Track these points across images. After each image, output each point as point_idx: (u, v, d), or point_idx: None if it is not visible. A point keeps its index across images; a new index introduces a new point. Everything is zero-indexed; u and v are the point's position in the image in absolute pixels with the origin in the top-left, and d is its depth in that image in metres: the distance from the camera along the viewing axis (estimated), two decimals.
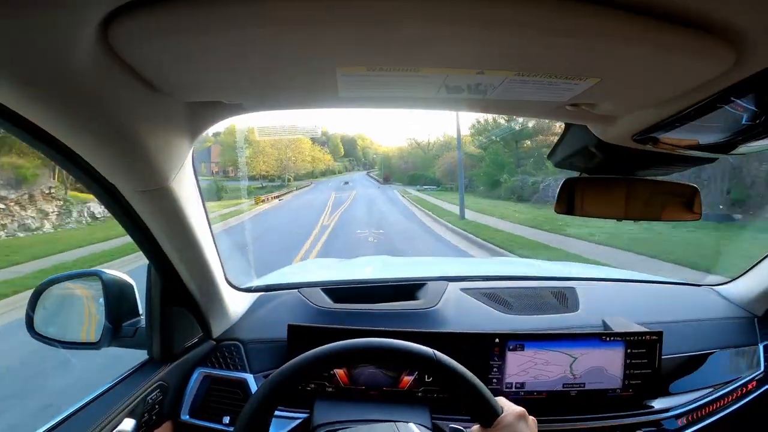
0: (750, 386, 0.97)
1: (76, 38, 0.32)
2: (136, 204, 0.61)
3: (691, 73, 0.40)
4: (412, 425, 0.67)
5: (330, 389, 0.88)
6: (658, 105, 0.49)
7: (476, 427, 0.56)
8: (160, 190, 0.59)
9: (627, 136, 0.60)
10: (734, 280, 1.19)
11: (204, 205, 0.75)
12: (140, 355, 0.86)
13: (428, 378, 0.88)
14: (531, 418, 0.55)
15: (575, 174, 0.77)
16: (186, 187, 0.64)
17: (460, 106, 0.57)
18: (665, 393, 0.95)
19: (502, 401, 0.57)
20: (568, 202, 0.76)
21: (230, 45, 0.35)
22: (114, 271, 0.86)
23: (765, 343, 1.04)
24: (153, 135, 0.50)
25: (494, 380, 0.89)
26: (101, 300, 0.85)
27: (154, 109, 0.47)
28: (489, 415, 0.54)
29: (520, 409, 0.55)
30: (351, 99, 0.52)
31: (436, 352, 0.56)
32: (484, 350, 0.89)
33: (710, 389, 0.96)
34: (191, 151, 0.62)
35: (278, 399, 0.54)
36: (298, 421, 0.84)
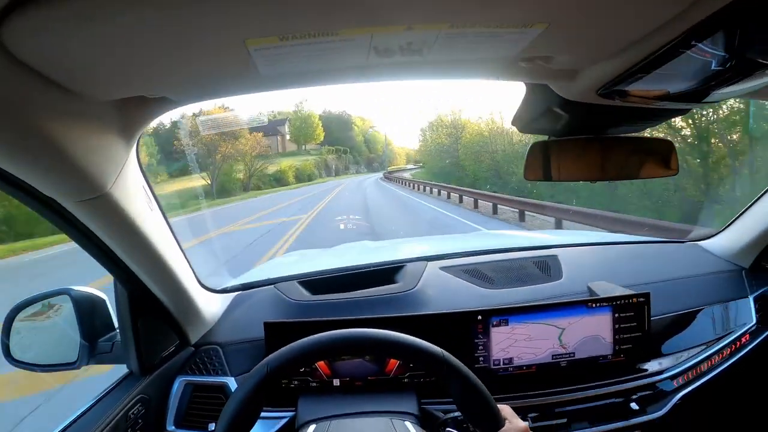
0: (744, 339, 0.97)
1: None
2: (80, 215, 0.58)
3: (649, 12, 0.37)
4: (408, 424, 0.65)
5: (314, 384, 0.86)
6: (619, 53, 0.46)
7: None
8: (101, 198, 0.56)
9: (591, 92, 0.57)
10: (718, 233, 1.18)
11: (160, 206, 0.72)
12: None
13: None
14: None
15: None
16: (130, 191, 0.62)
17: (398, 74, 0.53)
18: (658, 354, 0.94)
19: (506, 411, 0.56)
20: (543, 167, 0.73)
21: (126, 30, 0.32)
22: (83, 287, 0.83)
23: (755, 294, 1.03)
24: (80, 141, 0.47)
25: (480, 358, 0.87)
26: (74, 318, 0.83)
27: (74, 113, 0.44)
28: (490, 425, 0.53)
29: (523, 424, 0.54)
30: (275, 78, 0.49)
31: (444, 352, 0.54)
32: (467, 329, 0.87)
33: (703, 346, 0.95)
34: (132, 153, 0.60)
35: (267, 390, 0.52)
36: (284, 420, 0.82)
